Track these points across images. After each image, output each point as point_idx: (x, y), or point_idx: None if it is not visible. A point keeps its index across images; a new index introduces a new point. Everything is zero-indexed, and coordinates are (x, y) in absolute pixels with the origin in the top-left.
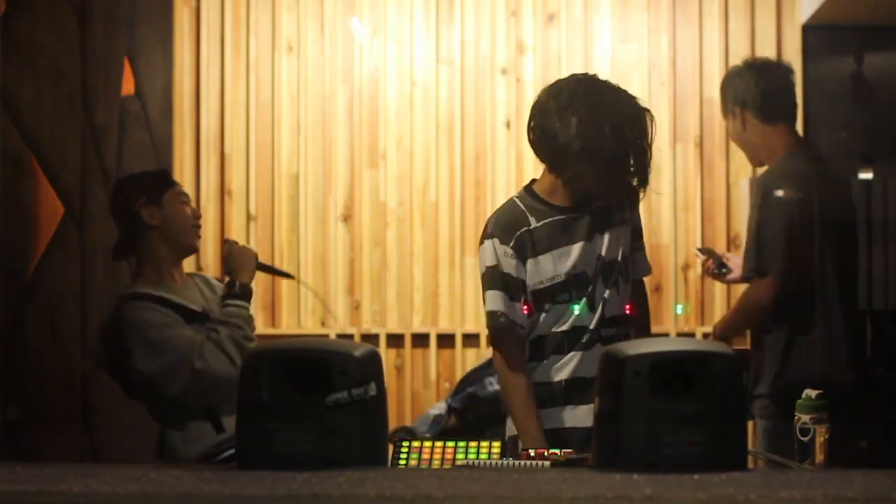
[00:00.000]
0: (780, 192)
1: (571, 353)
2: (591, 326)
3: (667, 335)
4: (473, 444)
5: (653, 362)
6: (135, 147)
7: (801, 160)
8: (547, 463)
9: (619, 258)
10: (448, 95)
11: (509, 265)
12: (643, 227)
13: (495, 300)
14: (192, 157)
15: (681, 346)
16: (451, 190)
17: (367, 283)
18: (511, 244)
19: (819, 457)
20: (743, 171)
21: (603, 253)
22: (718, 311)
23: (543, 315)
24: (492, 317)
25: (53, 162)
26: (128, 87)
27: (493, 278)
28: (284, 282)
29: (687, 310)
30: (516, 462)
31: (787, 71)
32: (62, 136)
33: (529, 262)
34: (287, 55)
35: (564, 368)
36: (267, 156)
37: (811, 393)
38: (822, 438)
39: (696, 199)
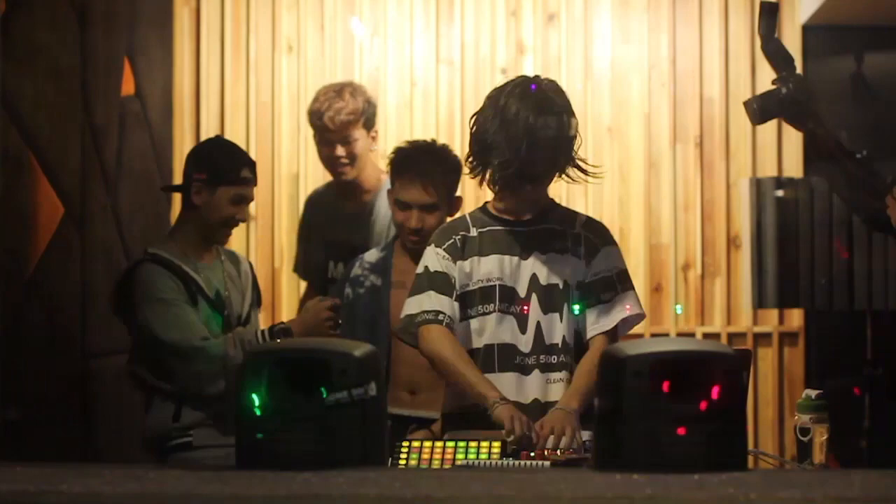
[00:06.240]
0: None
1: (504, 374)
2: (526, 350)
3: (667, 335)
4: (473, 444)
5: (653, 362)
6: (135, 147)
7: None
8: (547, 463)
9: (563, 285)
10: (448, 95)
11: (442, 265)
12: (626, 244)
13: (420, 301)
14: None
15: (681, 346)
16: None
17: None
18: (444, 247)
19: (819, 457)
20: (743, 172)
21: (539, 274)
22: (718, 311)
23: (468, 321)
24: (411, 318)
25: (53, 162)
26: (128, 87)
27: (420, 281)
28: (284, 281)
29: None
30: (516, 462)
31: None
32: (62, 136)
33: (459, 263)
34: (287, 55)
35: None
36: (267, 156)
37: (811, 393)
38: (822, 438)
39: (696, 199)
